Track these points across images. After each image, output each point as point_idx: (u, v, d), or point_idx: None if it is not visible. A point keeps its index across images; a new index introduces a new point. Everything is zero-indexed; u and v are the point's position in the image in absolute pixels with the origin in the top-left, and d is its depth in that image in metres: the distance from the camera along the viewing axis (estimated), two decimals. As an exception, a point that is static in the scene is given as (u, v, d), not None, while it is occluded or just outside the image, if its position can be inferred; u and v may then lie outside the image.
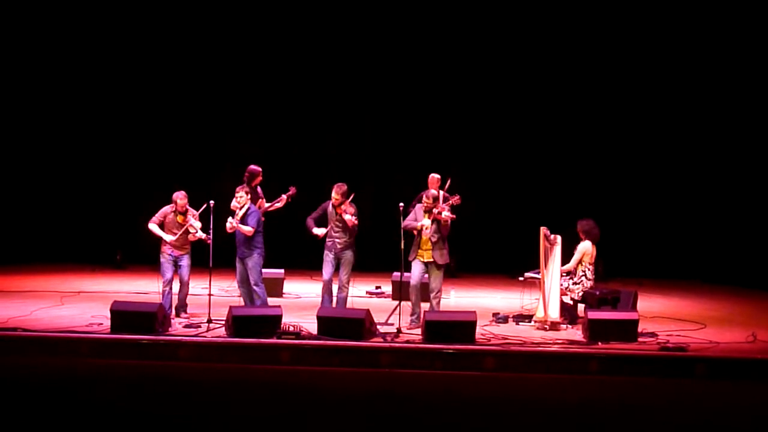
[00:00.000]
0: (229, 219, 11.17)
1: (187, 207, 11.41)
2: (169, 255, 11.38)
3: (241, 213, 11.17)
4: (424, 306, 11.14)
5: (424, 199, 11.25)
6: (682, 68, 16.69)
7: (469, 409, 8.21)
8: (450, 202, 12.89)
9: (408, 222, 11.22)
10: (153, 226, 11.41)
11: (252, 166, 12.30)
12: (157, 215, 11.44)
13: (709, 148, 16.58)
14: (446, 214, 11.07)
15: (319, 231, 11.33)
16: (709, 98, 16.50)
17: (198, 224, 11.32)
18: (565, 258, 11.44)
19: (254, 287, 11.26)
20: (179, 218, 11.38)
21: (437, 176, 13.09)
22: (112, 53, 17.12)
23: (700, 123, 16.68)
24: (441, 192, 13.05)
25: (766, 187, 15.85)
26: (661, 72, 16.79)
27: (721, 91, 16.36)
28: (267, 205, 12.50)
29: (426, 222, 11.07)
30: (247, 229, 11.09)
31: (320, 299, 11.46)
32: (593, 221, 11.55)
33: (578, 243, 11.49)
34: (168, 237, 11.33)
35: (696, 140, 16.72)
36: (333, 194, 11.34)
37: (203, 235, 11.23)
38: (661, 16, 16.63)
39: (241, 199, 11.23)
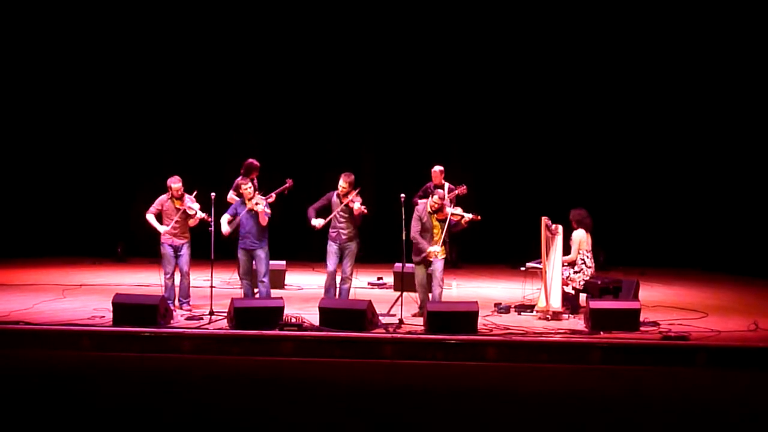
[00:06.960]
0: (260, 198, 11.11)
1: (183, 192, 11.39)
2: (170, 245, 11.36)
3: (262, 200, 11.14)
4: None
5: (433, 200, 11.02)
6: (681, 57, 16.66)
7: (471, 400, 8.21)
8: (456, 192, 12.90)
9: (415, 236, 10.98)
10: (150, 217, 11.36)
11: (250, 160, 12.28)
12: (154, 205, 11.40)
13: (709, 136, 16.57)
14: (451, 210, 10.93)
15: (317, 222, 11.19)
16: (707, 88, 16.48)
17: (196, 205, 11.28)
18: (566, 248, 11.43)
19: (263, 279, 11.23)
20: (177, 203, 11.35)
21: (440, 168, 13.04)
22: (113, 48, 17.11)
23: (700, 113, 16.67)
24: (446, 184, 13.03)
25: (766, 176, 15.83)
26: (660, 61, 16.78)
27: (719, 81, 16.34)
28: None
29: (436, 249, 10.93)
30: (269, 213, 11.08)
31: (323, 291, 11.42)
32: (585, 210, 11.53)
33: (572, 232, 11.48)
34: (163, 228, 11.29)
35: (696, 129, 16.72)
36: (340, 183, 11.23)
37: (204, 215, 11.17)
38: (655, 7, 16.62)
39: (249, 190, 11.17)
